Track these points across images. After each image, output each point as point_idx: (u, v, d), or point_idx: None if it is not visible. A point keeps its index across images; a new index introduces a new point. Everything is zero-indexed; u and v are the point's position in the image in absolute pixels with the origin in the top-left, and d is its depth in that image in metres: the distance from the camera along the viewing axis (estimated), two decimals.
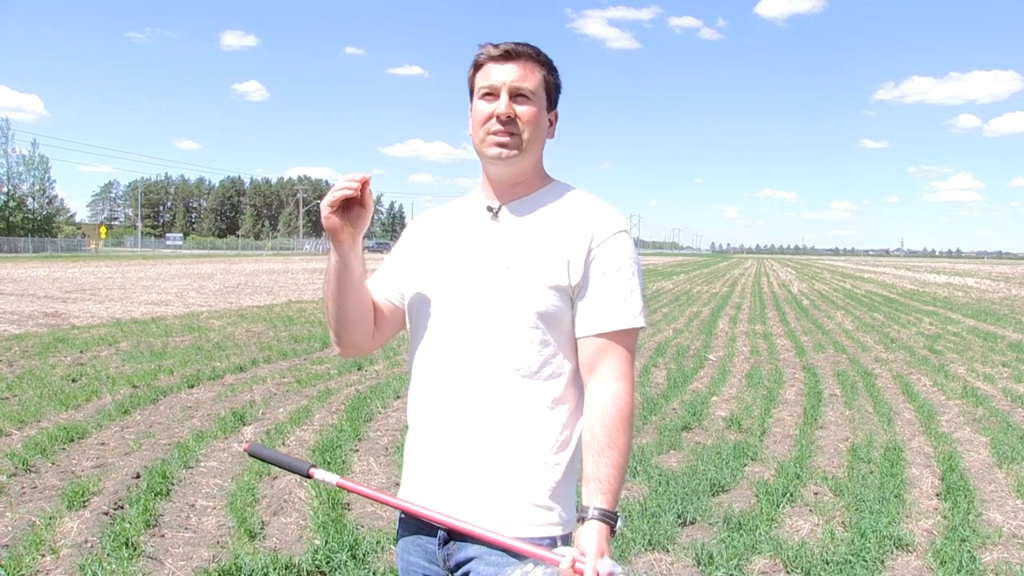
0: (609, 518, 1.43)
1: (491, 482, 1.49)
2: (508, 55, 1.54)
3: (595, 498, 1.44)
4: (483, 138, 1.55)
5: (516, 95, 1.54)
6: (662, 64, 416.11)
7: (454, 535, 1.51)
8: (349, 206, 1.52)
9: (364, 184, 1.50)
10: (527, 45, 1.57)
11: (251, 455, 1.71)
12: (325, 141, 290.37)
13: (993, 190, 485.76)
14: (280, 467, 1.70)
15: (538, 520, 1.49)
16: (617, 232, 1.55)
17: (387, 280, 1.69)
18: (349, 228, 1.53)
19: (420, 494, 1.55)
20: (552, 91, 1.60)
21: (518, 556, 1.42)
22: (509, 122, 1.53)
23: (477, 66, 1.58)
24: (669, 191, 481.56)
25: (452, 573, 1.53)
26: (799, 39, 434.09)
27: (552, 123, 1.63)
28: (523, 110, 1.54)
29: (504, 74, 1.53)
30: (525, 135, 1.54)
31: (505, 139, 1.53)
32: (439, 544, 1.53)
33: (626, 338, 1.53)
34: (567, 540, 1.49)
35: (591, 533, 1.41)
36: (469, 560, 1.49)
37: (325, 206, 1.50)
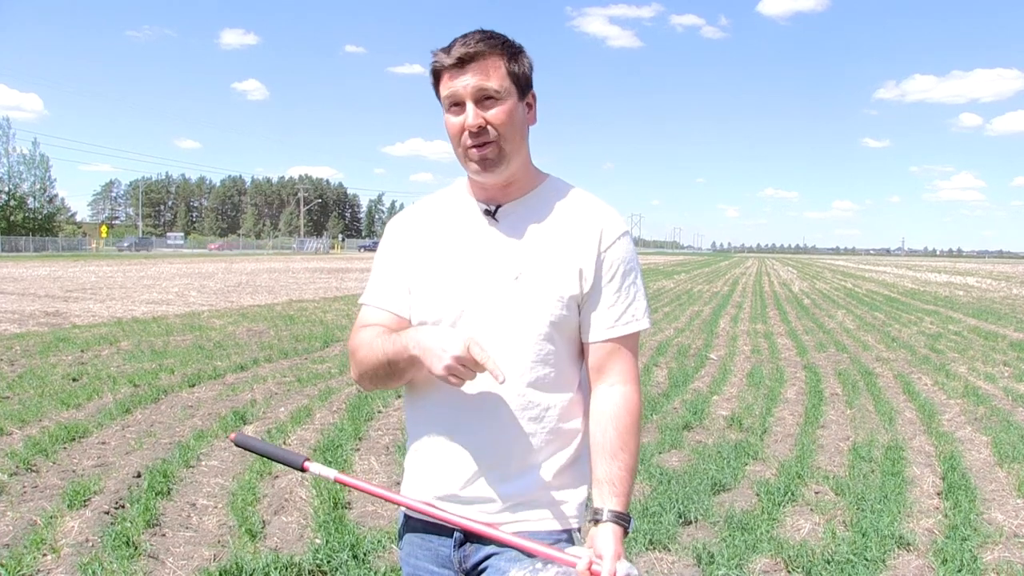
0: (623, 520, 1.43)
1: (504, 483, 1.49)
2: (463, 61, 1.43)
3: (609, 500, 1.44)
4: (463, 154, 1.47)
5: (482, 99, 1.44)
6: (664, 63, 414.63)
7: (471, 536, 1.49)
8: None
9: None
10: (481, 38, 1.45)
11: (237, 445, 1.60)
12: (326, 140, 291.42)
13: (995, 189, 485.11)
14: (270, 459, 1.59)
15: (555, 514, 1.50)
16: (622, 235, 1.53)
17: (394, 294, 1.58)
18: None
19: (431, 497, 1.53)
20: (521, 78, 1.48)
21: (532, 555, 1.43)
22: (481, 132, 1.44)
23: (436, 75, 1.48)
24: (671, 191, 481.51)
25: (468, 574, 1.51)
26: (801, 38, 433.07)
27: (531, 107, 1.53)
28: (493, 113, 1.44)
29: (464, 81, 1.43)
30: (503, 140, 1.45)
31: (483, 151, 1.44)
32: (455, 546, 1.51)
33: (632, 340, 1.54)
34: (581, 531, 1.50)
35: (607, 535, 1.40)
36: (489, 557, 1.48)
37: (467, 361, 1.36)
